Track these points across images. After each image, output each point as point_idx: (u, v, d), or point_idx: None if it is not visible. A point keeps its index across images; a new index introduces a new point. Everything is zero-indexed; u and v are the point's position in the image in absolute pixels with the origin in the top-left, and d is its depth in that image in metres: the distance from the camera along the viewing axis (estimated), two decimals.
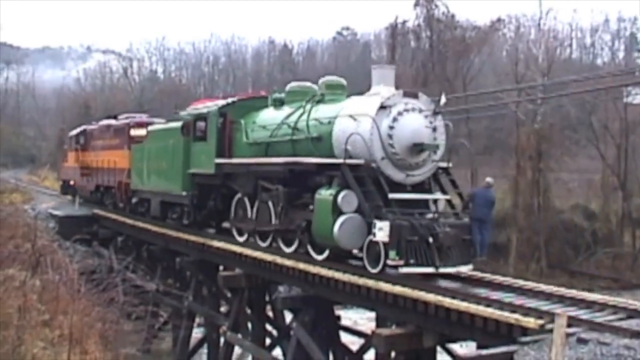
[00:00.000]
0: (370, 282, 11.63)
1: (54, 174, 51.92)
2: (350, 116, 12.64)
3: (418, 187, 12.75)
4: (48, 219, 25.97)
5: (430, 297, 10.44)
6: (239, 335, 16.84)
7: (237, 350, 17.91)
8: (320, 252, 13.17)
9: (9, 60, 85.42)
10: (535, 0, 56.55)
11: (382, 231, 11.28)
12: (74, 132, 33.52)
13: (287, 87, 16.12)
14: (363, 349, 15.14)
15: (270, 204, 14.58)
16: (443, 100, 12.88)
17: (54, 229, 24.51)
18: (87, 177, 29.72)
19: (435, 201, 12.87)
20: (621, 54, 68.61)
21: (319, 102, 14.27)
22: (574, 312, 9.45)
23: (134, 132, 24.54)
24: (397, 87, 13.01)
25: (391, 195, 11.99)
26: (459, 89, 37.51)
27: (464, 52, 40.68)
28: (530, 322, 8.85)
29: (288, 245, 14.30)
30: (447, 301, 10.14)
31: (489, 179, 13.47)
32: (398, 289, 11.02)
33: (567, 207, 40.21)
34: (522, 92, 37.76)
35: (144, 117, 27.31)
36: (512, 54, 43.87)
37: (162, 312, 22.64)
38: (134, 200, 22.94)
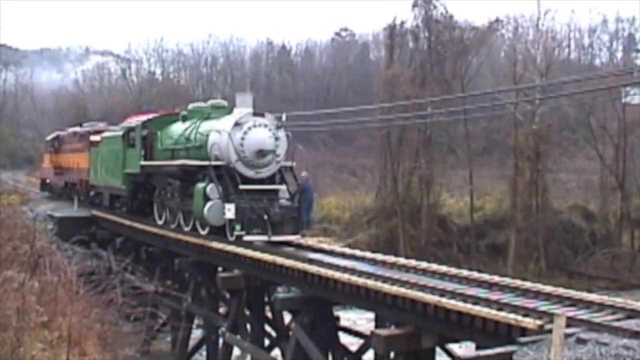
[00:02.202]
0: (370, 283, 11.66)
1: None
2: (217, 130, 17.52)
3: (269, 181, 17.67)
4: (46, 221, 25.93)
5: (430, 297, 10.45)
6: (238, 337, 16.85)
7: (236, 351, 17.92)
8: (204, 229, 17.80)
9: (7, 61, 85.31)
10: (533, 0, 56.58)
11: (229, 211, 16.32)
12: (49, 137, 39.01)
13: (189, 107, 21.08)
14: (362, 350, 15.13)
15: (174, 194, 19.50)
16: (283, 118, 18.19)
17: (52, 230, 24.47)
18: (59, 175, 34.93)
19: (277, 190, 17.61)
20: (619, 55, 68.90)
21: (205, 119, 19.10)
22: (572, 312, 9.46)
23: (93, 138, 28.12)
24: (249, 103, 17.90)
25: (241, 186, 16.91)
26: (457, 90, 37.53)
27: (462, 52, 40.62)
28: (529, 322, 8.86)
29: (187, 225, 18.85)
30: (446, 302, 10.15)
31: (304, 173, 18.66)
32: (397, 290, 11.05)
33: (566, 208, 40.25)
34: (520, 93, 37.83)
35: (101, 125, 32.03)
36: (510, 54, 43.90)
37: (160, 314, 22.59)
38: (91, 193, 28.06)
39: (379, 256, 15.20)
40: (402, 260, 14.53)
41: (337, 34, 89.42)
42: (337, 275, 12.44)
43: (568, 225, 38.47)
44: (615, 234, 38.54)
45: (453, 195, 43.61)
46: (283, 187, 17.84)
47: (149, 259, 21.92)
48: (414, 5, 40.69)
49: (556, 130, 39.82)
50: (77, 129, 33.55)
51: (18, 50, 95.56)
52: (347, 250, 16.68)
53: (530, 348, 8.26)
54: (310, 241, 18.48)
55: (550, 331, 7.95)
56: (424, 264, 13.76)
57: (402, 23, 41.31)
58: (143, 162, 21.28)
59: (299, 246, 16.66)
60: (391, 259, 14.83)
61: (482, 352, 9.10)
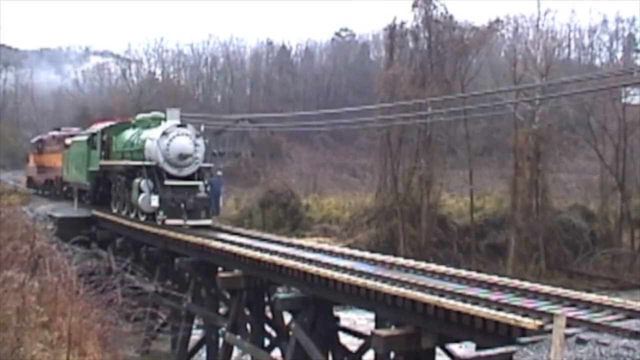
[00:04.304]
0: (370, 283, 11.66)
1: None
2: (150, 138, 22.44)
3: (190, 178, 22.14)
4: (47, 221, 25.88)
5: (430, 297, 10.45)
6: (238, 337, 16.85)
7: (236, 351, 17.92)
8: (142, 215, 22.30)
9: (7, 61, 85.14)
10: (533, 0, 56.56)
11: (154, 201, 21.08)
12: (34, 140, 44.44)
13: (137, 117, 25.89)
14: (362, 350, 15.14)
15: (122, 188, 24.15)
16: (202, 128, 23.66)
17: (52, 230, 24.39)
18: (41, 173, 40.12)
19: (197, 185, 22.11)
20: (619, 55, 68.74)
21: (146, 127, 23.90)
22: (572, 312, 9.47)
23: (67, 141, 32.37)
24: (177, 116, 23.12)
25: (166, 182, 21.61)
26: (457, 90, 37.50)
27: (462, 53, 40.54)
28: (529, 322, 8.86)
29: (132, 212, 23.31)
30: (446, 302, 10.15)
31: (219, 172, 24.30)
32: (397, 290, 11.04)
33: (566, 208, 40.16)
34: (520, 93, 37.80)
35: (74, 130, 36.57)
36: (510, 54, 43.82)
37: (161, 314, 22.58)
38: (65, 189, 33.24)
39: (379, 256, 15.23)
40: (401, 260, 14.55)
41: (337, 34, 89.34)
42: (337, 275, 12.45)
43: (568, 225, 38.37)
44: (615, 234, 38.48)
45: (453, 195, 43.58)
46: (200, 182, 22.29)
47: (149, 259, 21.93)
48: (414, 6, 40.63)
49: (556, 130, 39.74)
50: (56, 132, 39.00)
51: (18, 50, 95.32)
52: (347, 250, 16.75)
53: (530, 348, 8.26)
54: (310, 241, 18.73)
55: (550, 331, 7.95)
56: (423, 264, 13.77)
57: (402, 23, 41.24)
58: (102, 162, 26.28)
59: (299, 246, 17.20)
60: (391, 259, 14.86)
61: (482, 352, 9.10)
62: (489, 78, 50.78)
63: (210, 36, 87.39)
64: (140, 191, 21.72)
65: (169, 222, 20.81)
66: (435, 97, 33.34)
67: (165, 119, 23.60)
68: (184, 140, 22.00)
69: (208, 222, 21.54)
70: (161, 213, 20.98)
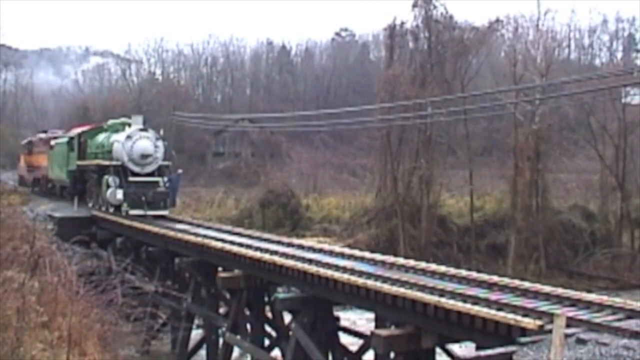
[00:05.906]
0: (370, 283, 11.66)
1: None
2: (117, 141, 25.96)
3: (151, 174, 25.68)
4: (47, 221, 25.86)
5: (430, 297, 10.45)
6: (238, 337, 16.85)
7: (236, 351, 17.91)
8: (111, 207, 25.46)
9: (7, 61, 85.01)
10: (533, 0, 56.55)
11: (119, 194, 24.75)
12: (24, 141, 47.92)
13: (108, 122, 29.56)
14: (362, 350, 15.16)
15: (95, 184, 27.49)
16: (161, 132, 27.11)
17: (52, 230, 24.38)
18: (30, 172, 43.54)
19: (157, 181, 25.68)
20: (619, 55, 68.68)
21: (115, 131, 27.44)
22: (572, 312, 9.47)
23: (52, 142, 35.71)
24: (140, 122, 26.95)
25: (130, 178, 25.14)
26: (457, 90, 37.47)
27: (462, 53, 40.50)
28: (529, 322, 8.86)
29: (103, 205, 26.24)
30: (446, 302, 10.15)
31: (179, 171, 28.65)
32: (397, 290, 11.05)
33: (566, 208, 40.15)
34: (520, 93, 37.79)
35: (59, 133, 39.34)
36: (510, 54, 43.79)
37: (161, 314, 22.59)
38: (49, 185, 36.94)
39: (379, 256, 15.23)
40: (401, 260, 14.55)
41: (337, 34, 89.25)
42: (337, 275, 12.45)
43: (568, 225, 38.36)
44: (615, 234, 38.47)
45: (453, 195, 43.55)
46: (159, 179, 25.76)
47: (149, 259, 21.94)
48: (414, 6, 40.61)
49: (556, 130, 39.74)
50: (43, 135, 42.46)
51: (18, 50, 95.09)
52: (347, 250, 16.78)
53: (530, 348, 8.26)
54: (310, 241, 18.76)
55: (550, 331, 7.95)
56: (423, 264, 13.77)
57: (402, 23, 41.22)
58: (78, 162, 29.86)
59: (299, 246, 17.29)
60: (391, 259, 14.86)
61: (482, 352, 9.10)
62: (489, 78, 50.73)
63: (210, 36, 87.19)
64: (108, 186, 25.25)
65: (132, 212, 24.31)
66: (435, 97, 33.31)
67: (129, 124, 27.08)
68: (146, 143, 25.57)
69: (165, 212, 25.06)
70: (125, 205, 24.59)
